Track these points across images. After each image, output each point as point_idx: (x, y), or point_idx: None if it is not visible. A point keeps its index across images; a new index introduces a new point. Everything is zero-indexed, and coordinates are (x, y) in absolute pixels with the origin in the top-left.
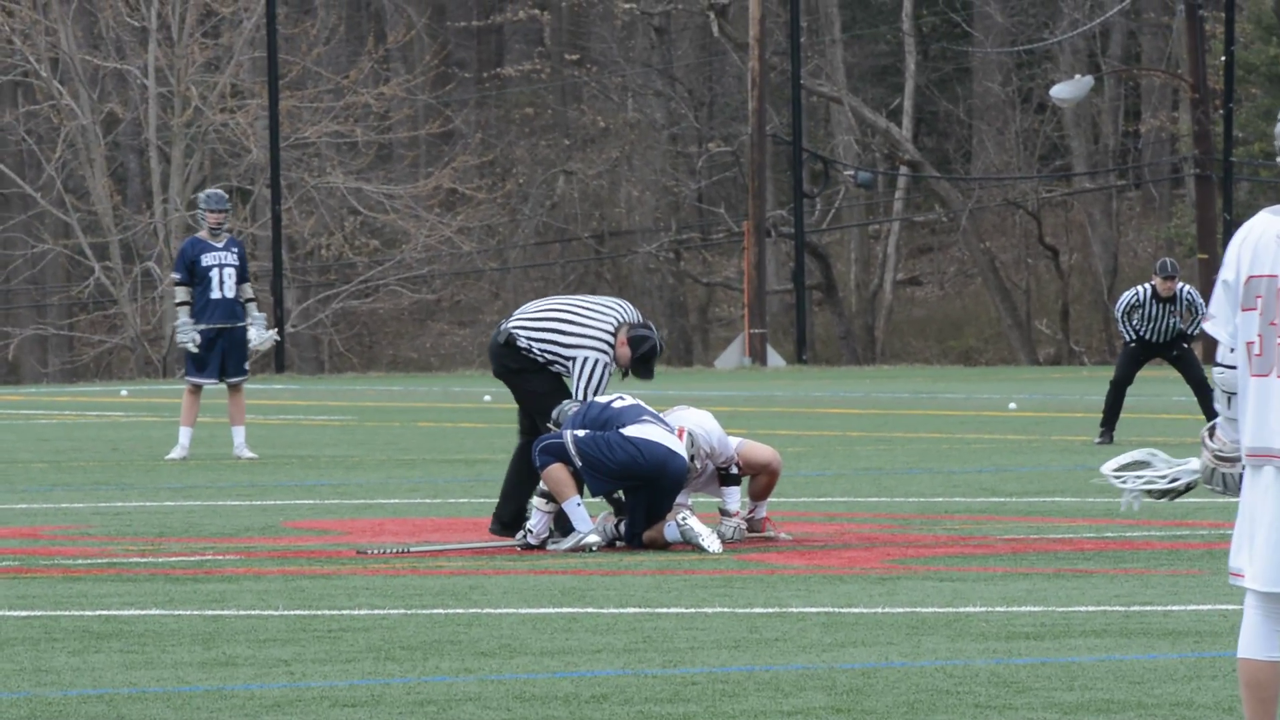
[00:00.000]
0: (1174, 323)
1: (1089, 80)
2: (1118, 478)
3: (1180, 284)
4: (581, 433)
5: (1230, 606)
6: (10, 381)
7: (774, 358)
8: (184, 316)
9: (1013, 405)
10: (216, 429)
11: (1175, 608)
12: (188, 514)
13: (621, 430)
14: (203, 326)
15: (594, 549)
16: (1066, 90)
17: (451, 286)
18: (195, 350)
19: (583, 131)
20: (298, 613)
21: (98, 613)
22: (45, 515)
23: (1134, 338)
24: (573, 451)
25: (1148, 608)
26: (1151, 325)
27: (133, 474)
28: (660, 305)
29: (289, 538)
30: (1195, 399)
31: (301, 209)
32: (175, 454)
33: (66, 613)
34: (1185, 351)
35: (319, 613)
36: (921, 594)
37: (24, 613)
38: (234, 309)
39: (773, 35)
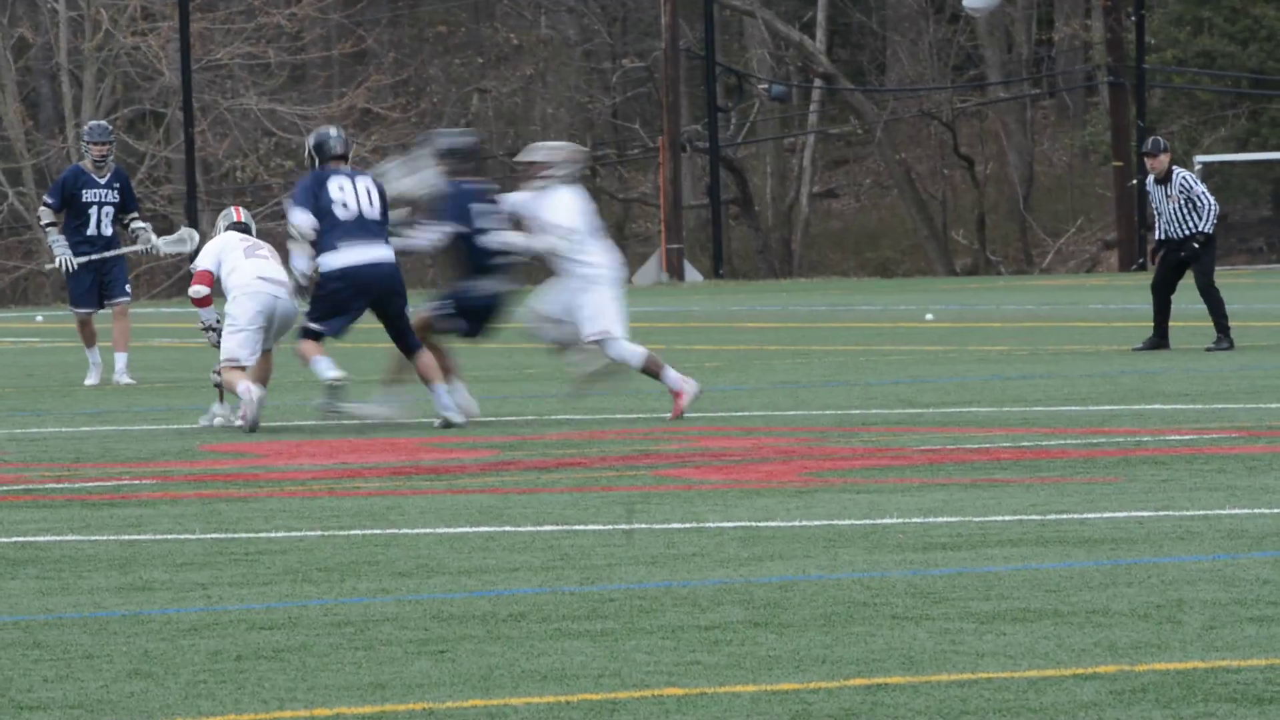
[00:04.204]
0: (1176, 209)
1: None
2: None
3: (1179, 169)
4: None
5: (1145, 513)
6: None
7: (691, 273)
8: (55, 234)
9: (930, 316)
10: (131, 354)
11: (1091, 516)
12: (103, 439)
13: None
14: (81, 259)
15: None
16: (979, 0)
17: None
18: (74, 270)
19: (496, 49)
20: (214, 536)
21: (13, 539)
22: None
23: (1157, 235)
24: (313, 325)
25: (1064, 516)
26: (1159, 214)
27: (48, 400)
28: None
29: (205, 461)
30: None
31: (215, 131)
32: (91, 379)
33: None
34: (1192, 254)
35: (236, 536)
36: (838, 506)
37: None
38: (110, 243)
39: None
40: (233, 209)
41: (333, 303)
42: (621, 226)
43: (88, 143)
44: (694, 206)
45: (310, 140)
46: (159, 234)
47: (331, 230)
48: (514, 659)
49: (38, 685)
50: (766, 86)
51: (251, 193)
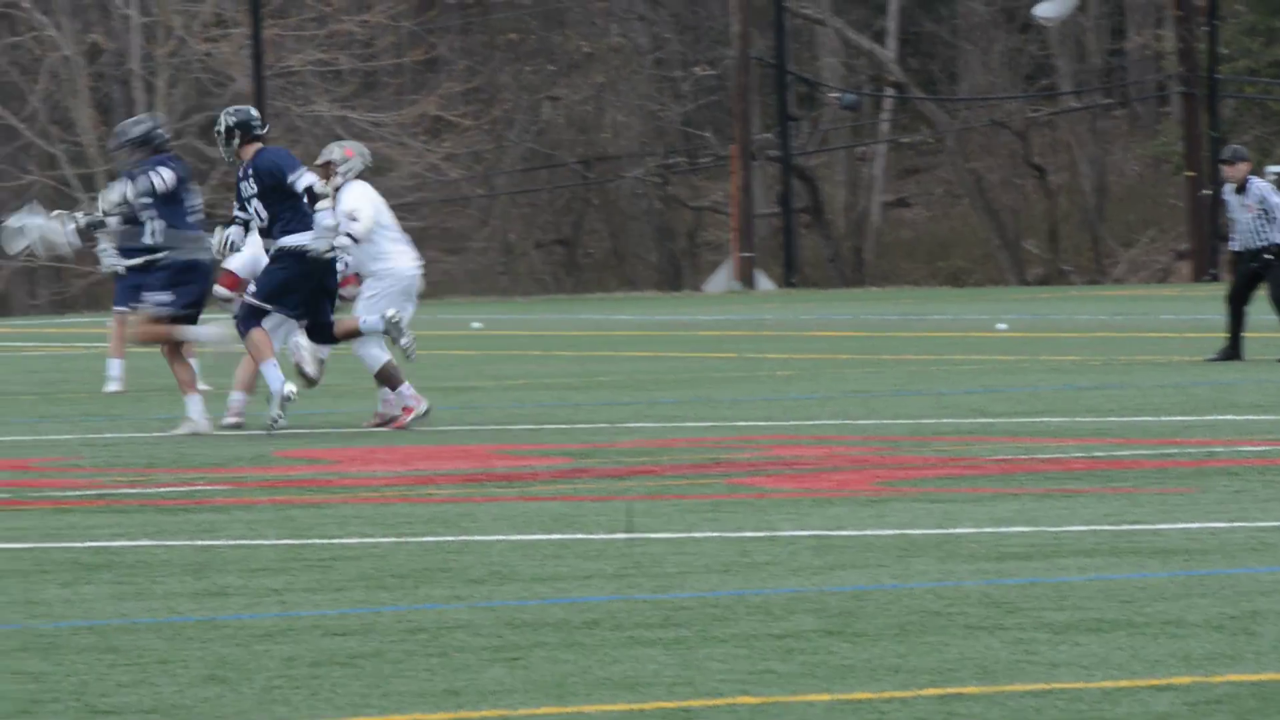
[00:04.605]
0: (1250, 220)
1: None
2: None
3: (1255, 179)
4: (251, 287)
5: (1219, 524)
6: None
7: (762, 281)
8: (104, 241)
9: (1001, 326)
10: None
11: (1164, 526)
12: (177, 444)
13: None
14: (135, 262)
15: (292, 397)
16: (1050, 9)
17: (439, 213)
18: (123, 274)
19: (567, 57)
20: (288, 542)
21: (88, 544)
22: (35, 447)
23: (1232, 245)
24: (257, 302)
25: (1137, 526)
26: (1235, 223)
27: (122, 405)
28: (648, 230)
29: (279, 467)
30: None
31: (287, 138)
32: (113, 387)
33: (57, 545)
34: (1263, 265)
35: (310, 542)
36: (911, 516)
37: (14, 545)
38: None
39: None
40: None
41: (284, 281)
42: (693, 235)
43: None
44: (765, 215)
45: (234, 117)
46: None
47: (301, 209)
48: (588, 666)
49: (113, 690)
50: (838, 95)
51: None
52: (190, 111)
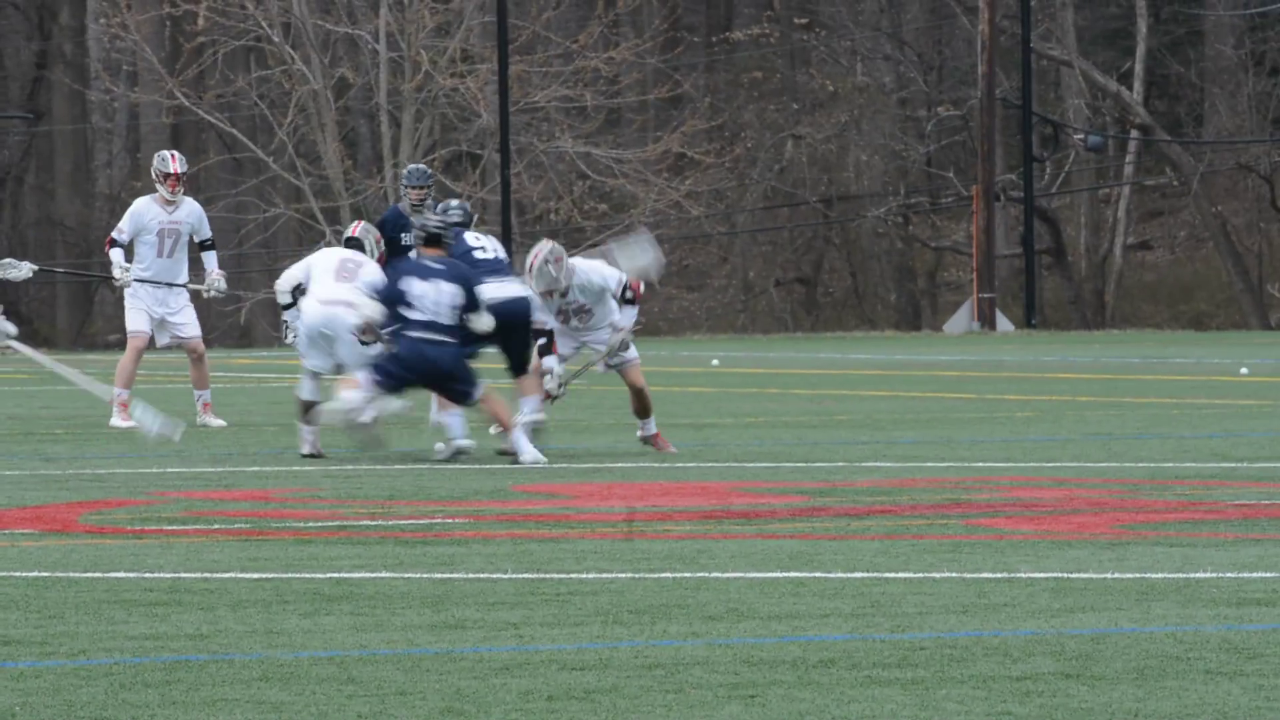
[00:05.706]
0: None
1: None
2: None
3: None
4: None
5: None
6: (243, 345)
7: (1003, 322)
8: None
9: (1244, 370)
10: None
11: None
12: (417, 477)
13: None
14: None
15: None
16: None
17: (680, 250)
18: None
19: (811, 95)
20: (526, 576)
21: (328, 575)
22: (276, 478)
23: None
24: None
25: None
26: None
27: None
28: (888, 269)
29: (517, 501)
30: None
31: (531, 174)
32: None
33: (297, 575)
34: None
35: (547, 576)
36: (1151, 559)
37: (255, 575)
38: None
39: None
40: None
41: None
42: (933, 274)
43: (406, 186)
44: (1007, 256)
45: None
46: None
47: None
48: (824, 705)
49: None
50: (1082, 137)
51: (565, 235)
52: (435, 146)
